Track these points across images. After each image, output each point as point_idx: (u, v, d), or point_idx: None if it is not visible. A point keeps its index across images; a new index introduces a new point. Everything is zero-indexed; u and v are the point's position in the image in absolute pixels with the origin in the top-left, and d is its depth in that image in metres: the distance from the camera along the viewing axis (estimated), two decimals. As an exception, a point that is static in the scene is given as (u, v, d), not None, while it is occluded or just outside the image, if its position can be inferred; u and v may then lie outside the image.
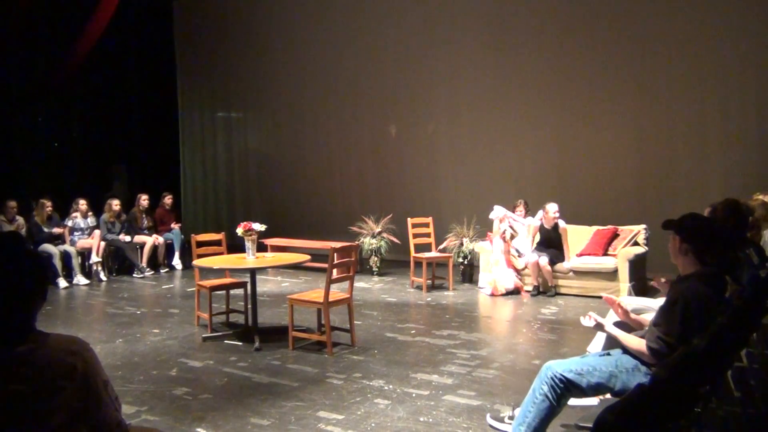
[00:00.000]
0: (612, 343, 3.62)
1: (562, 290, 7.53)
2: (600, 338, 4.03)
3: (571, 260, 7.51)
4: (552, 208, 7.59)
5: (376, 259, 9.10)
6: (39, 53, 11.45)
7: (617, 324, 3.65)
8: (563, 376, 2.84)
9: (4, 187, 9.72)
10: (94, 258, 9.16)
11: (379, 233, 9.09)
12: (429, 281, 8.05)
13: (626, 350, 2.94)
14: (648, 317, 3.94)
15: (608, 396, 2.94)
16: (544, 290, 7.52)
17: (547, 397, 2.86)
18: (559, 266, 7.48)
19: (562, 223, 7.60)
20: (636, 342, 2.87)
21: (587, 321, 3.15)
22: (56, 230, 9.03)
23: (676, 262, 2.96)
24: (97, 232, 9.32)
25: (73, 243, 9.14)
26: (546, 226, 7.67)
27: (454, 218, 8.77)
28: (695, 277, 2.78)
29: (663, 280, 3.48)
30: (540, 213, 7.76)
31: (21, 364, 1.69)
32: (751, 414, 3.29)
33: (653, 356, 2.73)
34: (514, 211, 8.00)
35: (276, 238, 9.93)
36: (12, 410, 1.66)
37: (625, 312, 3.22)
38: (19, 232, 8.73)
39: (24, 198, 9.48)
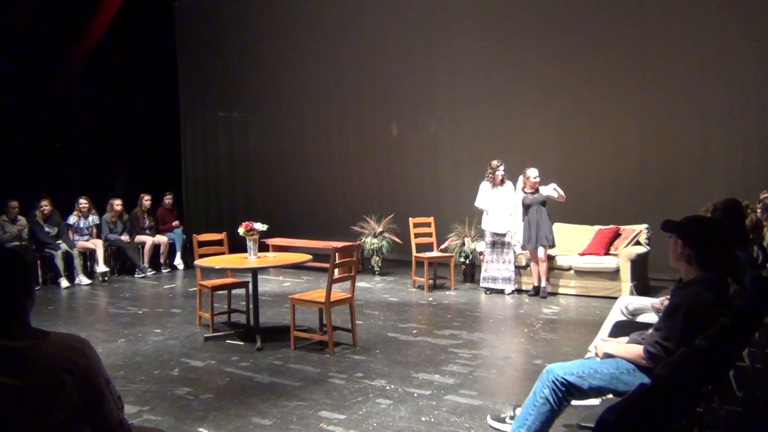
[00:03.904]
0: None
1: (565, 290, 7.52)
2: (602, 338, 4.03)
3: (573, 259, 7.50)
4: (533, 173, 7.39)
5: (377, 258, 9.10)
6: (41, 53, 11.46)
7: (617, 328, 3.66)
8: (565, 379, 2.84)
9: (5, 187, 9.73)
10: (101, 268, 9.16)
11: (381, 233, 9.09)
12: (431, 281, 8.05)
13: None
14: (647, 317, 3.95)
15: (610, 396, 2.93)
16: (541, 288, 7.41)
17: (548, 400, 2.85)
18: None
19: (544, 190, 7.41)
20: (633, 351, 2.86)
21: (593, 351, 3.22)
22: (63, 247, 8.97)
23: (677, 265, 2.93)
24: (98, 241, 9.32)
25: (74, 243, 9.14)
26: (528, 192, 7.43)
27: (456, 218, 8.77)
28: (698, 282, 2.75)
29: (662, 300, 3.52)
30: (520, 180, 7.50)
31: (19, 359, 1.69)
32: (753, 414, 3.28)
33: (650, 360, 2.72)
34: (495, 174, 7.51)
35: (277, 237, 9.94)
36: (10, 405, 1.67)
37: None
38: (22, 232, 8.77)
39: (25, 198, 9.49)
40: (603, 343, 3.14)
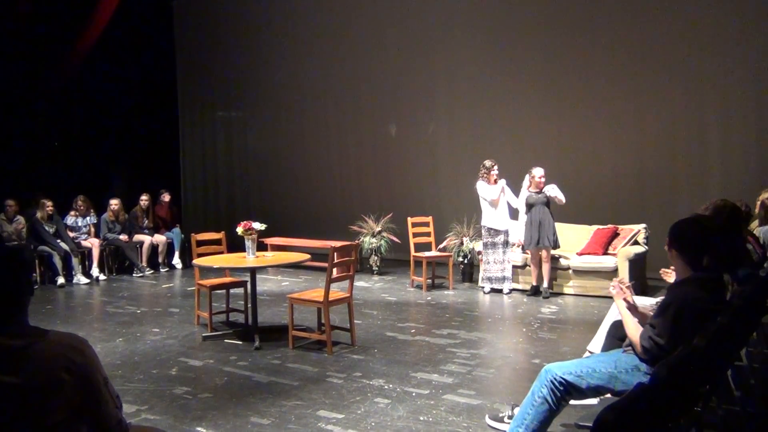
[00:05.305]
0: (612, 342, 3.63)
1: (563, 289, 7.53)
2: (600, 337, 4.04)
3: (572, 258, 7.51)
4: (538, 172, 7.39)
5: (376, 258, 9.10)
6: (39, 53, 11.44)
7: (615, 327, 3.67)
8: (563, 378, 2.84)
9: (2, 187, 9.72)
10: (95, 272, 9.19)
11: (379, 232, 9.09)
12: (429, 280, 8.05)
13: (626, 345, 2.96)
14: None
15: (609, 395, 2.94)
16: (543, 288, 7.42)
17: (546, 400, 2.85)
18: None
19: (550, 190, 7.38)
20: (635, 331, 2.88)
21: (613, 288, 3.28)
22: (64, 247, 8.96)
23: (673, 266, 2.96)
24: (95, 241, 9.33)
25: (72, 249, 9.11)
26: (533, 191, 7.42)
27: (454, 217, 8.77)
28: (691, 281, 2.78)
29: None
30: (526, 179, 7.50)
31: (18, 357, 1.69)
32: (750, 413, 3.29)
33: (644, 353, 2.76)
34: (489, 174, 7.54)
35: (276, 237, 9.94)
36: (8, 403, 1.67)
37: (634, 306, 3.24)
38: (20, 231, 8.76)
39: (24, 197, 9.49)
40: (622, 301, 3.14)
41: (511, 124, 9.41)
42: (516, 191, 7.67)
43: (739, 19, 7.69)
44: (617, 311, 4.18)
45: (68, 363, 1.72)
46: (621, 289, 3.23)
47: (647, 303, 4.15)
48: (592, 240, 7.66)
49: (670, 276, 3.78)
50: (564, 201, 7.37)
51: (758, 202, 5.03)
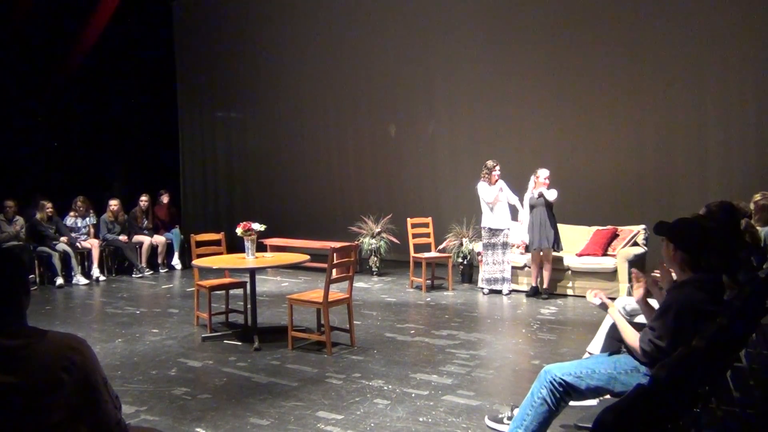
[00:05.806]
0: (611, 344, 3.63)
1: (563, 290, 7.53)
2: (599, 338, 4.04)
3: (571, 258, 7.50)
4: (543, 173, 7.36)
5: (375, 259, 9.10)
6: (39, 53, 11.44)
7: (614, 328, 3.67)
8: (562, 379, 2.84)
9: (2, 187, 9.72)
10: (95, 272, 9.20)
11: (379, 233, 9.09)
12: (428, 281, 8.05)
13: (624, 345, 2.96)
14: (645, 318, 3.95)
15: (608, 396, 2.94)
16: (543, 290, 7.43)
17: (545, 401, 2.85)
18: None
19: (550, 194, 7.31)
20: (632, 336, 2.88)
21: (593, 298, 3.20)
22: (63, 240, 8.97)
23: (671, 267, 2.95)
24: (95, 241, 9.34)
25: (72, 243, 9.12)
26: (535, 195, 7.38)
27: (454, 218, 8.77)
28: (690, 283, 2.77)
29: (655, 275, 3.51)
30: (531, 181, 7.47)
31: (16, 357, 1.69)
32: (749, 414, 3.29)
33: (643, 356, 2.76)
34: (491, 174, 7.52)
35: (275, 238, 9.94)
36: (8, 403, 1.67)
37: (644, 298, 3.21)
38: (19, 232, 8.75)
39: (23, 198, 9.47)
40: (612, 307, 3.13)
41: (511, 124, 9.41)
42: (516, 192, 7.67)
43: (740, 19, 7.69)
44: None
45: (67, 363, 1.72)
46: (596, 294, 3.22)
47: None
48: (592, 241, 7.66)
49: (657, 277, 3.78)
50: (552, 199, 7.33)
51: (752, 205, 5.03)
